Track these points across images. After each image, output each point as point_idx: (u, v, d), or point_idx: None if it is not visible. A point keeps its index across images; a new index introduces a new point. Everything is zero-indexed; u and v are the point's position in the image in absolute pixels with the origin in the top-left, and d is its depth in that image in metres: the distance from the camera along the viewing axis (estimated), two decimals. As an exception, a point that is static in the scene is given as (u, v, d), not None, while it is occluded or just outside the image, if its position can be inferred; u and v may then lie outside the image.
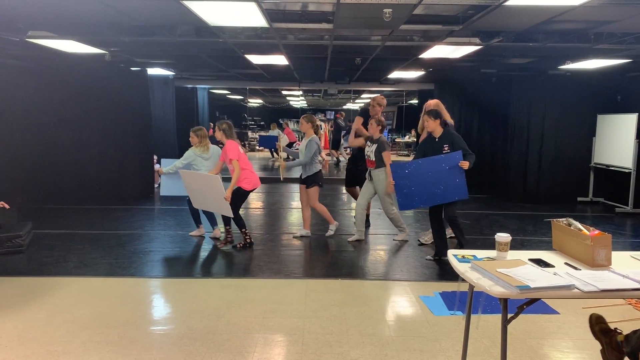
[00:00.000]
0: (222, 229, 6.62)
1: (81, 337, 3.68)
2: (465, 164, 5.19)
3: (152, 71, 10.39)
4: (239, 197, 6.03)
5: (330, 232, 6.85)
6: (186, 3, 4.63)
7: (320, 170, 6.53)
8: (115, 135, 9.53)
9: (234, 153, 5.83)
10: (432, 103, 6.18)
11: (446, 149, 5.35)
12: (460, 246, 5.62)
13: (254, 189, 6.13)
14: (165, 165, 6.51)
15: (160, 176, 6.60)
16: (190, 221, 6.99)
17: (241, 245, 6.23)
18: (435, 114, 5.44)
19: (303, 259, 5.88)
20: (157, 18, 5.61)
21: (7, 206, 5.70)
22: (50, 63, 8.80)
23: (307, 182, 6.51)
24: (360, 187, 6.73)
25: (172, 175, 6.46)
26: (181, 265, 5.62)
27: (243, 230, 6.21)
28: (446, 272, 5.29)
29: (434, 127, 5.46)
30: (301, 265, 5.59)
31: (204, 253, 6.09)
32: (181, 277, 5.19)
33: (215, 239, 6.66)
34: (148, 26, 6.02)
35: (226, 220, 6.19)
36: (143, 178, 10.03)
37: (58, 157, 9.32)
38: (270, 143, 16.70)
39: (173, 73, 11.15)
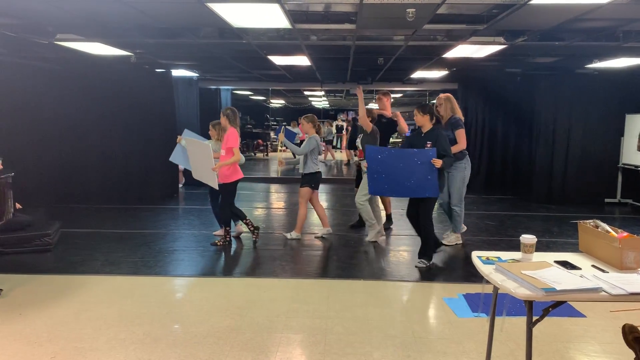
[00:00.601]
0: (243, 226, 6.77)
1: (107, 334, 3.75)
2: (438, 162, 5.05)
3: (176, 72, 10.50)
4: (225, 192, 6.17)
5: (288, 235, 6.74)
6: (210, 5, 4.68)
7: (318, 172, 6.50)
8: (141, 135, 9.67)
9: (235, 141, 5.97)
10: (443, 96, 6.13)
11: (429, 145, 5.26)
12: (424, 254, 5.52)
13: (237, 180, 6.23)
14: (187, 136, 6.77)
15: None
16: (214, 220, 7.05)
17: (255, 237, 6.41)
18: (425, 109, 5.37)
19: (325, 259, 5.88)
20: (182, 20, 5.68)
21: (19, 206, 5.87)
22: (77, 65, 8.98)
23: (301, 180, 6.53)
24: None
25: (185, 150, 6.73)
26: (205, 264, 5.68)
27: (245, 220, 6.40)
28: (470, 274, 5.23)
29: (422, 122, 5.38)
30: (323, 266, 5.59)
31: (227, 252, 6.14)
32: (205, 276, 5.25)
33: (237, 236, 6.72)
34: (173, 28, 6.10)
35: (226, 221, 6.36)
36: (167, 178, 10.15)
37: (85, 158, 9.49)
38: (290, 136, 16.76)
39: (197, 74, 11.25)
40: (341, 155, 20.95)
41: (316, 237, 6.79)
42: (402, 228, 7.23)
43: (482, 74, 10.92)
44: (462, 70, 10.00)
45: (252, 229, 6.40)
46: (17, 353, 3.43)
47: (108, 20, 5.66)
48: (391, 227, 7.35)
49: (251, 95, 18.69)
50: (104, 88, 9.38)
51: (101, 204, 9.12)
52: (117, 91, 9.44)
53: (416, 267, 5.48)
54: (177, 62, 9.51)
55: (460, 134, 5.95)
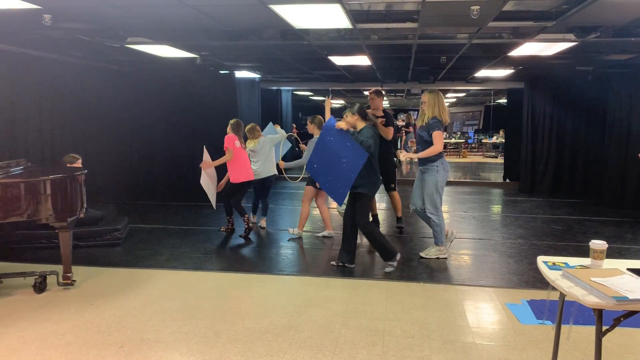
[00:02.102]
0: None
1: (171, 327, 3.89)
2: (342, 124, 5.17)
3: (239, 74, 10.74)
4: (231, 188, 6.81)
5: (290, 230, 6.82)
6: (273, 7, 4.75)
7: None
8: (205, 135, 9.93)
9: (230, 144, 6.68)
10: (429, 90, 5.71)
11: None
12: (384, 257, 5.35)
13: (244, 182, 6.80)
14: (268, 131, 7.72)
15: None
16: (273, 218, 7.19)
17: (244, 234, 6.78)
18: (359, 110, 5.36)
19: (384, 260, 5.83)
20: (245, 22, 5.80)
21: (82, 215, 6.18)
22: (146, 67, 9.36)
23: (306, 180, 6.59)
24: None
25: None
26: (265, 262, 5.78)
27: (245, 217, 6.76)
28: (535, 280, 5.05)
29: (353, 122, 5.33)
30: (382, 267, 5.55)
31: (286, 250, 6.22)
32: (264, 273, 5.34)
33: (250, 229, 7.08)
34: (236, 30, 6.25)
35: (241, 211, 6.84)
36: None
37: (152, 156, 9.90)
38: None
39: (259, 76, 11.46)
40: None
41: (316, 237, 6.80)
42: (465, 231, 7.07)
43: (550, 72, 10.51)
44: (529, 68, 9.67)
45: (246, 226, 6.74)
46: (89, 341, 3.62)
47: (175, 24, 5.86)
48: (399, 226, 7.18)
49: (311, 95, 18.83)
50: (171, 89, 9.73)
51: (167, 201, 9.46)
52: (183, 92, 9.77)
53: (386, 272, 5.29)
54: (241, 64, 9.73)
55: (437, 136, 5.43)
